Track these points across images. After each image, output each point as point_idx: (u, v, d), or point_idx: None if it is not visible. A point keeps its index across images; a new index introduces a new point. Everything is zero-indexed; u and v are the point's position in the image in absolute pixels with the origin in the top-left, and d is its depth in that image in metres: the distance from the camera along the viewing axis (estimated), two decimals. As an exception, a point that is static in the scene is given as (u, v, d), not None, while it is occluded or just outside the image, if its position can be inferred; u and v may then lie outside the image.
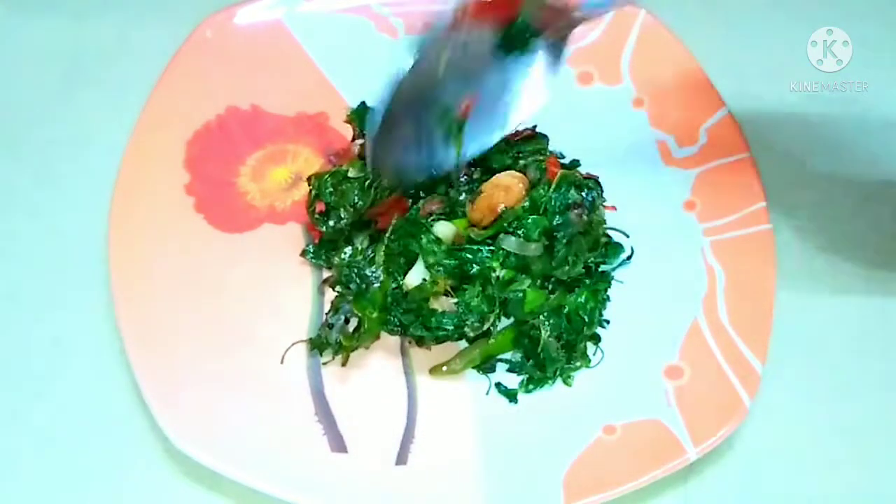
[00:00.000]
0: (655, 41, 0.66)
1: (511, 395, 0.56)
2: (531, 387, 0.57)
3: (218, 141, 0.63)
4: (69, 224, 0.63)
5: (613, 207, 0.60)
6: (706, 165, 0.62)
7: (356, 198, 0.58)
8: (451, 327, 0.55)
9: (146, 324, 0.56)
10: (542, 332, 0.56)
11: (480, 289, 0.55)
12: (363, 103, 0.62)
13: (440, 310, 0.55)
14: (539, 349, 0.56)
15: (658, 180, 0.63)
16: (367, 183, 0.58)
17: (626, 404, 0.55)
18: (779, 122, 0.69)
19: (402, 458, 0.54)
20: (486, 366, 0.57)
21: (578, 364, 0.57)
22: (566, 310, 0.57)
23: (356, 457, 0.54)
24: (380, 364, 0.57)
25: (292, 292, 0.59)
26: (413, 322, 0.55)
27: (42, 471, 0.55)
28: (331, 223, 0.59)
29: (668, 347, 0.57)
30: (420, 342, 0.56)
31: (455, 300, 0.55)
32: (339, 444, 0.54)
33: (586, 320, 0.57)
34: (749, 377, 0.55)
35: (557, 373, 0.57)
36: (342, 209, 0.58)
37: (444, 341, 0.56)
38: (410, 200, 0.58)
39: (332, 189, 0.59)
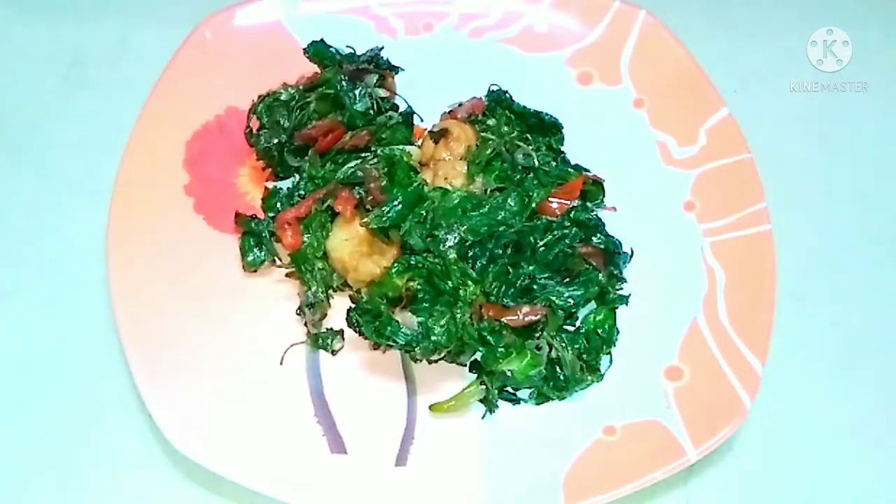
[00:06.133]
0: (655, 41, 0.66)
1: (512, 398, 0.56)
2: (540, 399, 0.56)
3: (217, 141, 0.63)
4: (69, 224, 0.63)
5: (613, 208, 0.61)
6: (706, 166, 0.62)
7: (284, 119, 0.61)
8: (401, 342, 0.52)
9: (145, 324, 0.56)
10: (566, 354, 0.55)
11: (450, 316, 0.53)
12: (322, 41, 0.62)
13: (399, 322, 0.53)
14: (562, 373, 0.55)
15: (658, 180, 0.63)
16: (292, 105, 0.60)
17: (626, 405, 0.55)
18: (779, 122, 0.69)
19: (401, 459, 0.54)
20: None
21: (590, 379, 0.56)
22: (584, 329, 0.56)
23: (356, 458, 0.54)
24: (379, 366, 0.57)
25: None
26: (368, 324, 0.53)
27: (42, 471, 0.55)
28: (262, 140, 0.61)
29: (668, 348, 0.57)
30: (376, 345, 0.54)
31: (419, 319, 0.53)
32: (338, 446, 0.54)
33: (604, 338, 0.56)
34: (749, 377, 0.55)
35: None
36: (272, 129, 0.61)
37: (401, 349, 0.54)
38: (346, 129, 0.59)
39: (264, 109, 0.61)
